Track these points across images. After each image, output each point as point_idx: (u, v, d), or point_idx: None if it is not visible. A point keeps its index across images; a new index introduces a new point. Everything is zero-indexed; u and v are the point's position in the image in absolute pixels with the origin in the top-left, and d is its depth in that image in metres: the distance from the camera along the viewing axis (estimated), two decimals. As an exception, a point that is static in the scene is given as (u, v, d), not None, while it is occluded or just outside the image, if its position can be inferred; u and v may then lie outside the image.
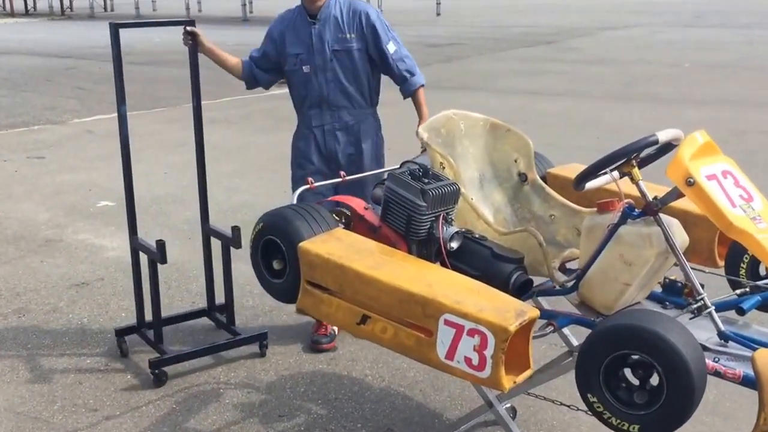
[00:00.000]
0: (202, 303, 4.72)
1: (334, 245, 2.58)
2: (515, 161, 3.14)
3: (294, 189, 3.63)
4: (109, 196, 7.04)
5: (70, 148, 9.16)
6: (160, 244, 3.80)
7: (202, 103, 4.09)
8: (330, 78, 4.06)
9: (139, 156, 8.04)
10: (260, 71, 4.23)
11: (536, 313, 2.23)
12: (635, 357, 2.15)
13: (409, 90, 4.15)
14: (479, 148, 3.14)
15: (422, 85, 4.15)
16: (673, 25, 23.38)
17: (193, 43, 3.99)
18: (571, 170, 3.21)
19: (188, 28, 3.98)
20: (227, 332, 4.25)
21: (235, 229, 3.91)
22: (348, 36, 4.03)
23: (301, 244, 2.60)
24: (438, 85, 11.56)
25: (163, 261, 3.83)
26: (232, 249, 4.01)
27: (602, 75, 13.91)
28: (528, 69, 14.93)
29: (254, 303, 4.78)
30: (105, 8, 35.48)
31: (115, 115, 3.89)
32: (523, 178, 3.14)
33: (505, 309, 2.20)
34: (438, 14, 28.67)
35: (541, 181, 3.13)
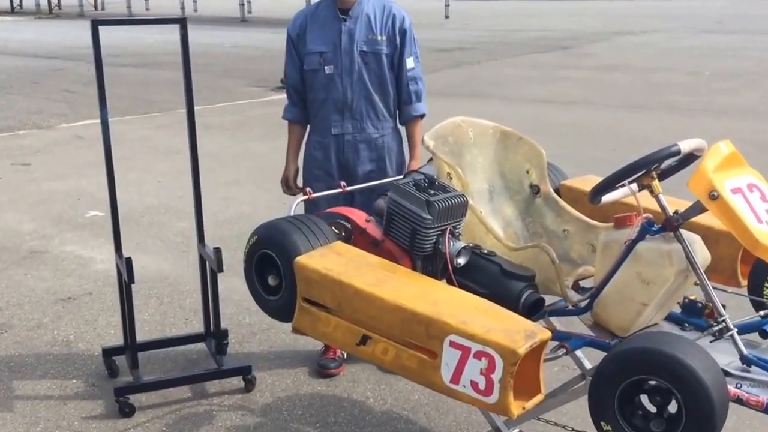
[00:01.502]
0: (195, 320, 4.71)
1: (332, 260, 2.56)
2: (527, 172, 3.13)
3: (308, 205, 3.50)
4: (98, 205, 7.01)
5: (57, 155, 9.15)
6: (128, 262, 3.72)
7: (195, 108, 4.04)
8: (356, 81, 3.86)
9: (132, 163, 8.05)
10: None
11: (548, 334, 2.21)
12: (652, 383, 2.14)
13: (409, 114, 3.97)
14: (489, 157, 3.12)
15: (423, 115, 3.99)
16: (692, 31, 23.39)
17: None
18: (586, 182, 3.19)
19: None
20: (214, 362, 4.16)
21: (217, 251, 3.81)
22: (379, 38, 3.85)
23: (297, 258, 2.58)
24: (445, 92, 11.56)
25: (131, 281, 3.74)
26: (225, 264, 3.97)
27: (618, 83, 13.91)
28: (541, 75, 14.93)
29: (251, 321, 4.76)
30: (95, 7, 35.62)
31: (106, 120, 3.87)
32: (535, 190, 3.12)
33: (514, 330, 2.18)
34: (447, 17, 28.74)
35: (554, 194, 3.11)
